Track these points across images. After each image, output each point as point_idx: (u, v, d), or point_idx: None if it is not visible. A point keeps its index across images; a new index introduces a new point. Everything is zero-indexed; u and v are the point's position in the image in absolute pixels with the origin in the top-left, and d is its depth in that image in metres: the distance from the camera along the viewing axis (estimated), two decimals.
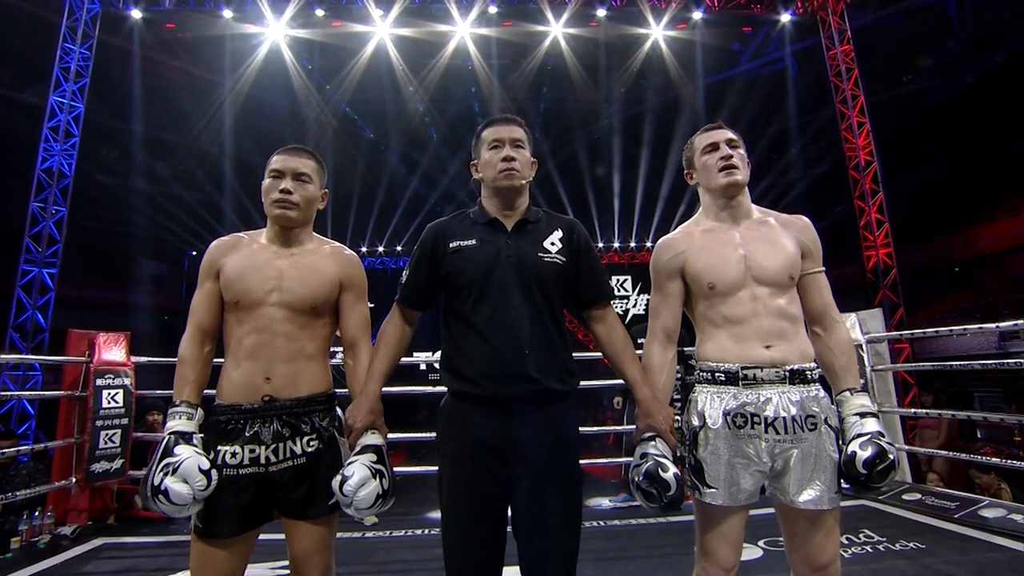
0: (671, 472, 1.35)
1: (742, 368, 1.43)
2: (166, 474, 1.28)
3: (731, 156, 1.53)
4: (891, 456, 1.33)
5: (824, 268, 1.57)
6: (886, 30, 14.25)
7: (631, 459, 1.47)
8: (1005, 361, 3.49)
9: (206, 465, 1.31)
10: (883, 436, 1.37)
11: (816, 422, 1.41)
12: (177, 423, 1.37)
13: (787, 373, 1.41)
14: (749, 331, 1.44)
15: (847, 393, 1.46)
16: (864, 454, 1.33)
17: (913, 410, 4.46)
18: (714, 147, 1.56)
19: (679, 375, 3.16)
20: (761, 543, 2.68)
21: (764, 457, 1.40)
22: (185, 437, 1.35)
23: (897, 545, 2.69)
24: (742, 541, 1.45)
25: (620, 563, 2.60)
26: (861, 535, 2.83)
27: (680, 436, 1.51)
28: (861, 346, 3.93)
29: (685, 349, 1.68)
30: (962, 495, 3.36)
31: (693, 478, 1.45)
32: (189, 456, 1.31)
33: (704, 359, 1.51)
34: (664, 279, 1.57)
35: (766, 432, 1.39)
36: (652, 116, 15.82)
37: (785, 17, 11.78)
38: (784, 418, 1.39)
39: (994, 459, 3.61)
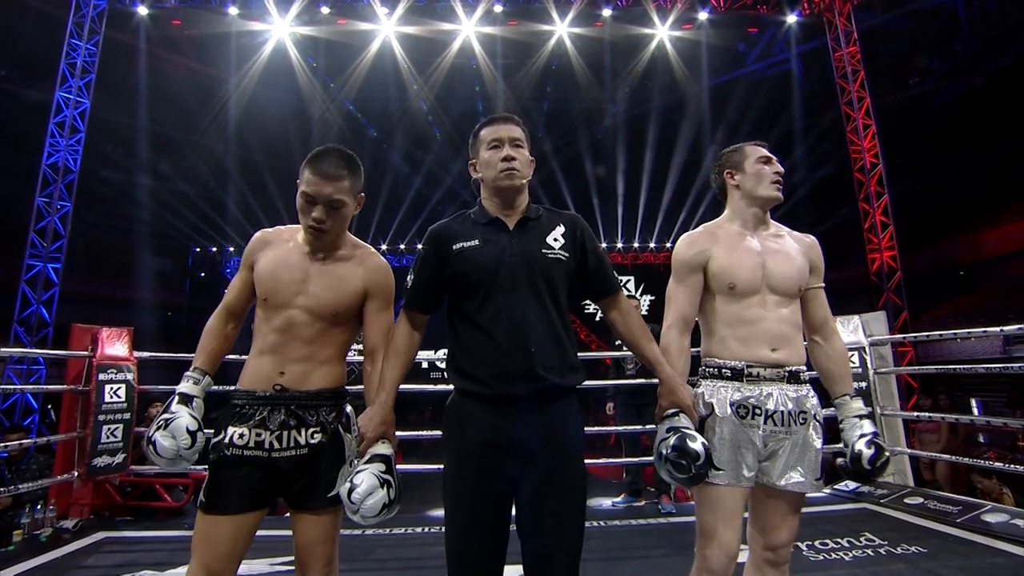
0: (699, 442, 1.42)
1: (747, 366, 1.55)
2: (159, 428, 1.39)
3: (781, 173, 1.68)
4: (887, 453, 1.53)
5: (824, 284, 1.70)
6: (893, 32, 14.19)
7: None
8: (1009, 365, 3.47)
9: (194, 426, 1.41)
10: (878, 435, 1.56)
11: (807, 417, 1.56)
12: (183, 385, 1.48)
13: (786, 373, 1.56)
14: (757, 333, 1.57)
15: (846, 397, 1.61)
16: (869, 452, 1.50)
17: (916, 413, 4.44)
18: (769, 160, 1.68)
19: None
20: None
21: (759, 443, 1.53)
22: (186, 399, 1.45)
23: (899, 549, 2.68)
24: (741, 529, 1.52)
25: (620, 563, 2.60)
26: (863, 538, 2.82)
27: None
28: (864, 349, 3.92)
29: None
30: (964, 499, 3.34)
31: None
32: (181, 416, 1.41)
33: (710, 356, 1.62)
34: (686, 273, 1.65)
35: (764, 423, 1.53)
36: (657, 117, 15.78)
37: (791, 18, 11.74)
38: (782, 412, 1.53)
39: (997, 464, 3.59)
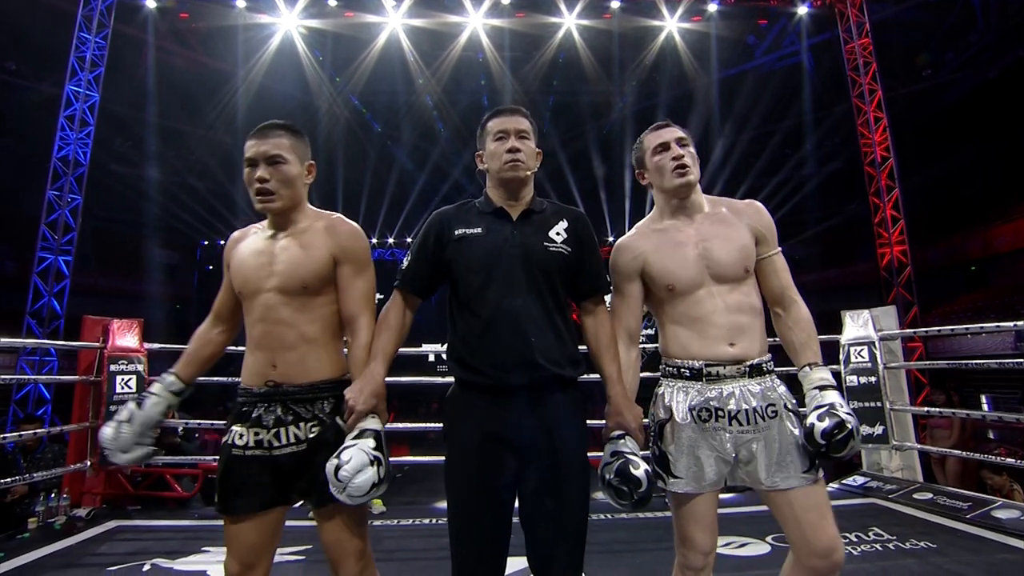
0: (642, 469, 1.36)
1: (706, 365, 1.47)
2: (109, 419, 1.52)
3: (683, 156, 1.53)
4: (849, 426, 1.34)
5: (780, 248, 1.57)
6: (905, 23, 13.97)
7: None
8: (1021, 361, 3.44)
9: (123, 418, 1.51)
10: (841, 407, 1.37)
11: (776, 409, 1.44)
12: (153, 385, 1.58)
13: (747, 368, 1.45)
14: (711, 329, 1.47)
15: (807, 368, 1.47)
16: (822, 425, 1.35)
17: (926, 409, 4.41)
18: (665, 147, 1.55)
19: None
20: (769, 539, 2.67)
21: (728, 447, 1.43)
22: (139, 398, 1.55)
23: (907, 544, 2.67)
24: (716, 525, 1.47)
25: (627, 556, 2.61)
26: (871, 533, 2.81)
27: (646, 429, 1.53)
28: (874, 343, 3.89)
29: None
30: (974, 495, 3.32)
31: (659, 469, 1.49)
32: (122, 411, 1.52)
33: (669, 356, 1.54)
34: (623, 281, 1.58)
35: (729, 425, 1.43)
36: (665, 109, 15.65)
37: (802, 10, 11.60)
38: (746, 410, 1.43)
39: (1008, 460, 3.56)
